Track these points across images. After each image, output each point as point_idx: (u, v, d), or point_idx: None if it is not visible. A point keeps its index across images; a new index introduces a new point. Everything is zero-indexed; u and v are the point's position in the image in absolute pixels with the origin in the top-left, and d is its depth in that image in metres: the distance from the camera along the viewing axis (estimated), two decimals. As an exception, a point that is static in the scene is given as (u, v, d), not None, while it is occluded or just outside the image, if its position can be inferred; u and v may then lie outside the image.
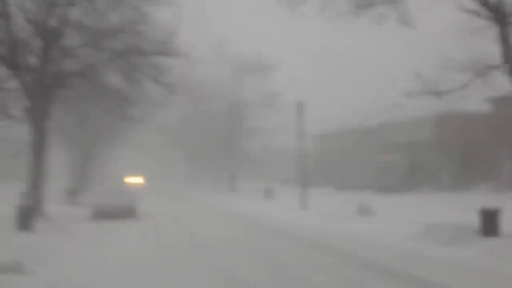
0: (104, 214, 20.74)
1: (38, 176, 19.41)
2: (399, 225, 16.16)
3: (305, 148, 47.08)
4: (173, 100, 26.03)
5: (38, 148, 19.53)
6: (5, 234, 13.92)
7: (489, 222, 12.68)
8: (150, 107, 24.45)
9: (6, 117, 19.25)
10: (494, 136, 32.73)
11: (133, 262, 10.55)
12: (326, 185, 47.97)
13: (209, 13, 64.60)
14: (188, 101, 50.79)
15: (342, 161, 47.73)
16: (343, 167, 47.54)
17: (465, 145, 35.58)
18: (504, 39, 13.51)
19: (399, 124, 42.03)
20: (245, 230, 16.99)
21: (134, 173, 66.63)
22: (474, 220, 13.27)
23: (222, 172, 54.08)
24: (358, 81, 73.75)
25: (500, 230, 12.68)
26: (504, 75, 13.82)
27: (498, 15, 13.57)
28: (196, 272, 9.58)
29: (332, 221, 18.68)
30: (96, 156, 46.99)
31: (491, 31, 13.80)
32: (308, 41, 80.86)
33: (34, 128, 19.35)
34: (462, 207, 20.28)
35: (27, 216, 15.35)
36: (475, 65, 14.39)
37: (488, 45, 14.19)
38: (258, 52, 47.39)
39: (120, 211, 21.04)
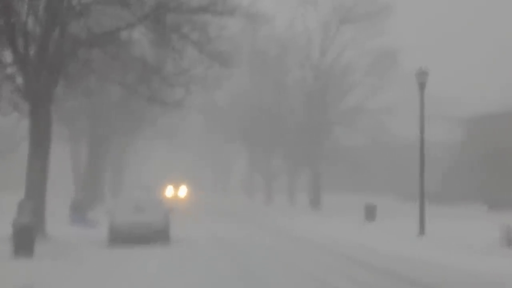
0: (124, 237, 23.86)
1: (38, 183, 22.97)
2: None
3: (438, 140, 47.33)
4: (226, 74, 28.86)
5: (39, 143, 23.01)
6: (3, 260, 17.63)
7: None
8: (192, 85, 27.30)
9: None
10: None
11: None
12: (473, 200, 48.62)
13: None
14: (251, 71, 53.13)
15: (502, 164, 47.65)
16: (504, 173, 47.37)
17: None
18: None
19: None
20: (317, 263, 19.66)
21: (172, 180, 70.54)
22: None
23: (303, 177, 56.12)
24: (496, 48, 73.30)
25: None
26: None
27: None
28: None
29: (460, 255, 20.68)
30: (114, 155, 50.98)
31: None
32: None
33: (33, 116, 22.85)
34: None
35: (26, 238, 18.95)
36: None
37: None
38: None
39: (147, 234, 23.95)
